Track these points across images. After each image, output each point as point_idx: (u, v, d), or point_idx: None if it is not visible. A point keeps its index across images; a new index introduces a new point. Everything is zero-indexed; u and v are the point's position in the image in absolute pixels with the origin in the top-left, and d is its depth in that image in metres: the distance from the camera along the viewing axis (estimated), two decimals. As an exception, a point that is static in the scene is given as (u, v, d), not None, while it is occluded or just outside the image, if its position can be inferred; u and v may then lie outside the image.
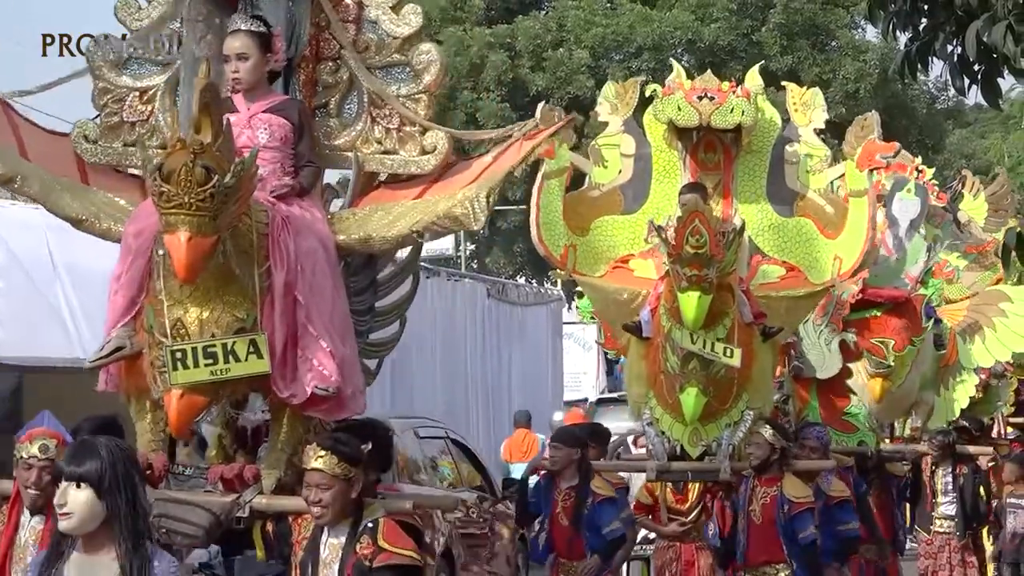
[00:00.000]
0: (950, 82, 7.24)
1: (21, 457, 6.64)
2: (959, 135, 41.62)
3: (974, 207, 15.07)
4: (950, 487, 13.03)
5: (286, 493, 6.68)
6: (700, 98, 9.62)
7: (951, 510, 13.02)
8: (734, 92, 9.67)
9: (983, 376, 13.33)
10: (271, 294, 6.55)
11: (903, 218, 11.71)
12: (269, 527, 6.69)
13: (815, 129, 9.94)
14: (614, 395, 23.45)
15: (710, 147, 9.91)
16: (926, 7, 7.14)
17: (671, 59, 10.62)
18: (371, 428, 6.70)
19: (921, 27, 7.18)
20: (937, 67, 7.29)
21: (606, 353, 22.97)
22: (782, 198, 9.90)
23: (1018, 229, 7.13)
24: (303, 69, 7.30)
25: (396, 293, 7.56)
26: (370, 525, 6.17)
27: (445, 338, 20.08)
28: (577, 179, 9.95)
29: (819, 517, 9.15)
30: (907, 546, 12.97)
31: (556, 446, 9.66)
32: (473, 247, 39.19)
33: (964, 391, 12.98)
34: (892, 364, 11.47)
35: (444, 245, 35.89)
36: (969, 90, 7.16)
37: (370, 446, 6.32)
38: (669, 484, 10.04)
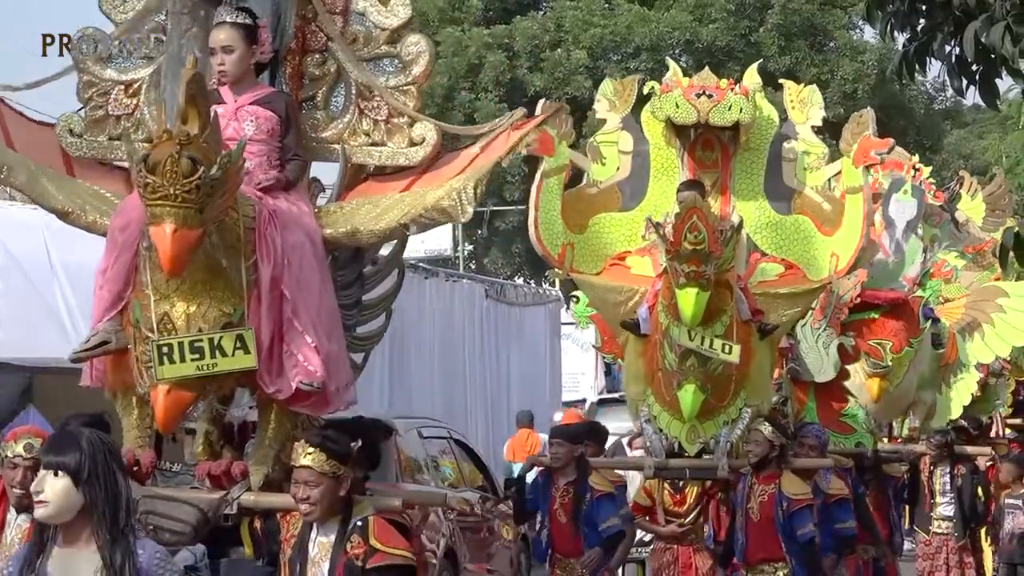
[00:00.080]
0: (948, 83, 7.28)
1: (6, 456, 6.68)
2: (957, 135, 41.69)
3: (972, 207, 15.09)
4: (948, 488, 13.01)
5: (274, 490, 6.64)
6: (698, 95, 9.63)
7: (949, 511, 13.00)
8: (732, 90, 9.69)
9: (981, 374, 13.30)
10: (258, 288, 6.51)
11: (900, 220, 11.72)
12: (257, 524, 6.65)
13: (812, 126, 9.91)
14: (615, 395, 23.42)
15: (708, 145, 9.92)
16: (924, 8, 7.17)
17: (668, 59, 10.57)
18: (360, 425, 6.64)
19: (919, 28, 7.22)
20: (935, 68, 7.34)
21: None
22: (780, 195, 9.89)
23: (1016, 229, 7.11)
24: (289, 62, 7.25)
25: (382, 286, 7.52)
26: (359, 524, 6.10)
27: (443, 338, 20.09)
28: (575, 177, 9.92)
29: (817, 515, 9.13)
30: (905, 547, 12.93)
31: (558, 443, 9.65)
32: (471, 248, 39.20)
33: (966, 388, 12.99)
34: (889, 364, 11.46)
35: (442, 246, 35.91)
36: (967, 91, 7.21)
37: (360, 444, 6.26)
38: (667, 486, 10.02)
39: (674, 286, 8.54)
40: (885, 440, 12.82)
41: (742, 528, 9.15)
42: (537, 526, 9.81)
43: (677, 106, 9.62)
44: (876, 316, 11.55)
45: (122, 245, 6.62)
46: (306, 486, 6.09)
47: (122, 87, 7.30)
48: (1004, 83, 7.34)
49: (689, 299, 8.44)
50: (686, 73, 10.07)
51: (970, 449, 13.47)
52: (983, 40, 6.67)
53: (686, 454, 9.19)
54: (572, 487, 9.47)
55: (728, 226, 8.76)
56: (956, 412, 13.18)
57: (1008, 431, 15.62)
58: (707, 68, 10.35)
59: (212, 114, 6.30)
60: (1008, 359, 13.97)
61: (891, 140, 9.58)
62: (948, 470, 13.02)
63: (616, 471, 9.98)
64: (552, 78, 34.65)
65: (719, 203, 9.80)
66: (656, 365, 9.03)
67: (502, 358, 22.30)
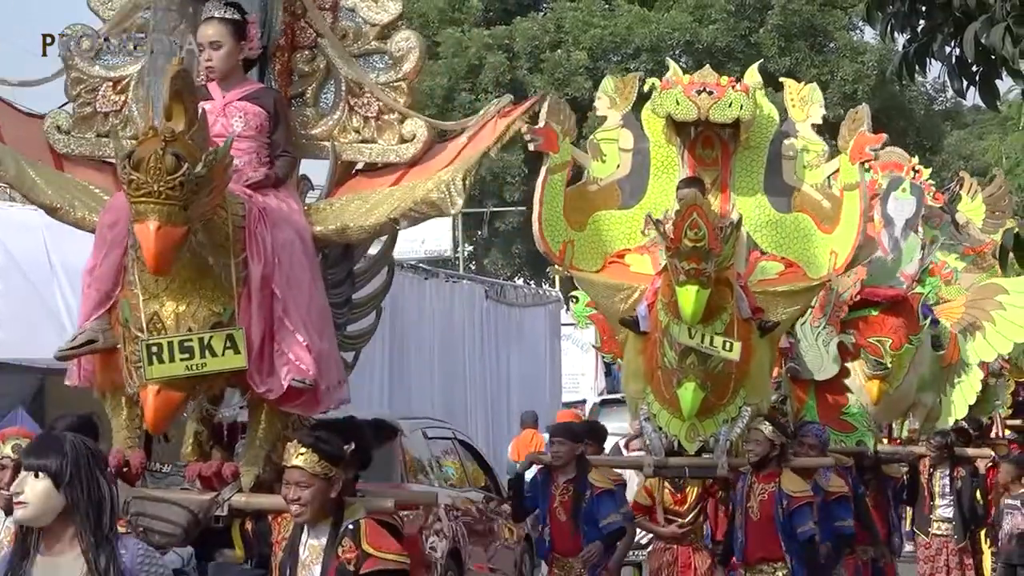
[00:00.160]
0: (948, 83, 7.30)
1: (-4, 458, 6.62)
2: (957, 136, 41.70)
3: (972, 208, 15.10)
4: (948, 490, 12.99)
5: (265, 490, 6.59)
6: (699, 92, 9.61)
7: (949, 513, 12.98)
8: (733, 87, 9.67)
9: (982, 374, 13.28)
10: (248, 287, 6.46)
11: (898, 217, 11.73)
12: (248, 525, 6.59)
13: (812, 124, 9.88)
14: (617, 396, 23.41)
15: (708, 142, 9.90)
16: (924, 8, 7.20)
17: (668, 59, 10.54)
18: (352, 426, 6.57)
19: (919, 28, 7.26)
20: (935, 68, 7.40)
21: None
22: (779, 193, 9.84)
23: (1016, 230, 7.10)
24: (278, 58, 7.19)
25: (372, 284, 7.48)
26: (351, 527, 6.03)
27: (443, 339, 20.10)
28: (576, 174, 9.89)
29: (817, 513, 9.10)
30: (905, 549, 12.90)
31: (559, 441, 9.64)
32: (471, 248, 39.21)
33: (971, 388, 12.98)
34: (889, 365, 11.47)
35: (442, 246, 35.92)
36: (967, 91, 7.26)
37: (353, 445, 6.19)
38: (667, 486, 9.99)
39: (674, 283, 8.52)
40: (884, 441, 12.78)
41: (741, 527, 9.13)
42: (539, 525, 9.77)
43: (677, 103, 9.60)
44: (875, 313, 11.53)
45: (111, 243, 6.57)
46: (297, 487, 6.02)
47: (110, 83, 7.24)
48: (1004, 84, 7.36)
49: (689, 296, 8.42)
50: (686, 73, 10.03)
51: (970, 451, 13.44)
52: (983, 41, 6.70)
53: (685, 452, 9.17)
54: (572, 485, 9.46)
55: (728, 223, 8.73)
56: (961, 412, 13.19)
57: (1008, 432, 15.61)
58: (707, 66, 10.32)
59: (200, 111, 6.24)
60: (1009, 358, 13.95)
61: (884, 135, 9.55)
62: (948, 472, 12.99)
63: (615, 471, 9.95)
64: (552, 79, 34.66)
65: (719, 201, 9.79)
66: (656, 363, 9.01)
67: (502, 359, 22.30)
